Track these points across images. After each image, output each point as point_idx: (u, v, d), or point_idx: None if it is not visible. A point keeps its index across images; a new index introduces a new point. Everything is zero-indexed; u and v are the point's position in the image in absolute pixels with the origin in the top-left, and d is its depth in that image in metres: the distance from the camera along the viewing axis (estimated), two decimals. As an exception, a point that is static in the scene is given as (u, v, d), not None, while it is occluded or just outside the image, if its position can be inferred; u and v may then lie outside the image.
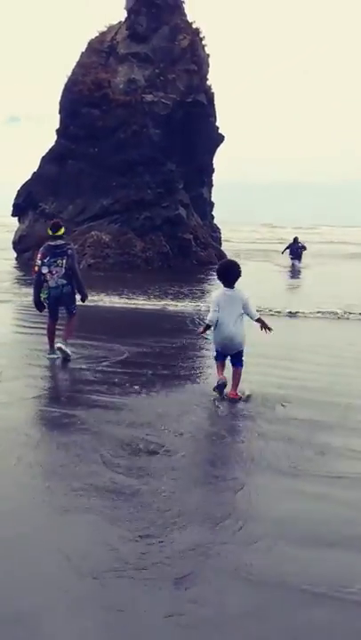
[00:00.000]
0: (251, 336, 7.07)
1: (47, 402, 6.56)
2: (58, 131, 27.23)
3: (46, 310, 8.47)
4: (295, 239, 28.62)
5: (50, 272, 8.14)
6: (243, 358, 6.89)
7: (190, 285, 18.37)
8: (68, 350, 8.24)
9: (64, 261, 8.13)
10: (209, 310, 7.01)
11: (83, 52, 27.90)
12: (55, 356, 8.29)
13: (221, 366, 6.94)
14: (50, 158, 27.15)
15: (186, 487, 4.39)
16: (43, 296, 8.31)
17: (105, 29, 28.32)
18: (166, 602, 3.07)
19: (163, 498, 4.18)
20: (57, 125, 27.28)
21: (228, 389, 6.77)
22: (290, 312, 13.08)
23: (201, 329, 7.38)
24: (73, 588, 3.19)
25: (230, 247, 32.61)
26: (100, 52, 27.44)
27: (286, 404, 6.46)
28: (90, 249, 24.10)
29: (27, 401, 6.50)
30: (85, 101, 26.03)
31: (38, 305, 8.44)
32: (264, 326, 6.84)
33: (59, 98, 27.19)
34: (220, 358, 6.98)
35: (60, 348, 8.20)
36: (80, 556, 3.47)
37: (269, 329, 6.84)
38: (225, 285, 6.82)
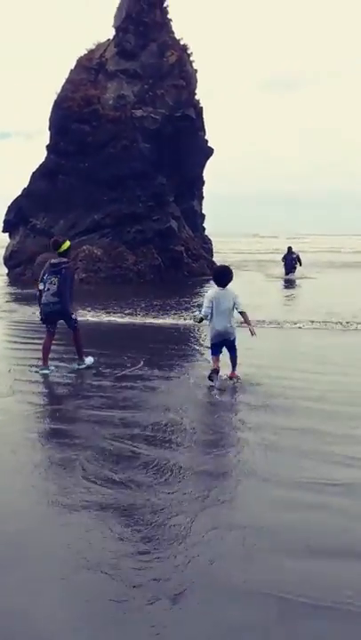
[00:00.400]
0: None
1: (40, 417, 6.57)
2: (48, 146, 27.44)
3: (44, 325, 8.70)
4: (289, 249, 28.67)
5: (45, 289, 8.40)
6: (236, 345, 7.99)
7: (185, 297, 18.43)
8: (85, 362, 8.64)
9: (57, 279, 8.35)
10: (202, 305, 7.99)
11: (72, 70, 28.20)
12: (47, 372, 8.32)
13: (216, 359, 7.86)
14: (40, 174, 27.33)
15: (180, 499, 4.37)
16: (40, 312, 8.58)
17: (94, 47, 28.68)
18: (163, 617, 3.03)
19: (157, 511, 4.16)
20: (47, 141, 27.51)
21: (228, 373, 7.91)
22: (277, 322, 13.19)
23: (197, 318, 8.19)
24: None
25: (222, 259, 32.80)
26: (89, 69, 27.75)
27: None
28: (82, 263, 24.21)
29: (20, 417, 6.52)
30: (75, 117, 26.28)
31: (42, 320, 8.68)
32: (246, 321, 7.91)
33: (49, 114, 27.45)
34: (215, 352, 7.91)
35: (79, 368, 8.53)
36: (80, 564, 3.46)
37: (252, 332, 7.89)
38: (218, 285, 7.92)
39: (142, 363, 8.83)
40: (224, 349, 8.03)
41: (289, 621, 3.02)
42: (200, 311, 8.07)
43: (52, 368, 8.45)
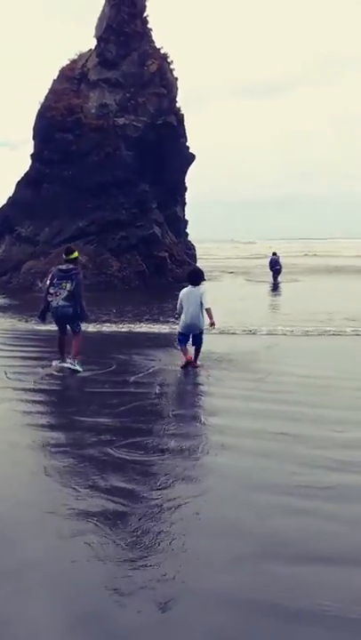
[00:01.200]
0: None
1: (25, 424, 6.51)
2: (32, 155, 27.70)
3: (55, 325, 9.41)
4: (273, 254, 29.15)
5: (55, 293, 8.94)
6: (203, 338, 9.31)
7: (168, 303, 18.58)
8: (78, 367, 8.94)
9: (68, 285, 8.89)
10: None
11: (55, 80, 28.55)
12: (64, 365, 9.04)
13: (184, 350, 9.27)
14: (25, 182, 27.59)
15: (166, 506, 4.41)
16: (50, 313, 9.15)
17: (76, 57, 29.04)
18: (151, 626, 3.01)
19: (143, 519, 4.17)
20: (31, 150, 27.81)
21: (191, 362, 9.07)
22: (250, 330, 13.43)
23: (177, 319, 9.67)
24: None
25: (207, 264, 33.13)
26: (72, 78, 28.10)
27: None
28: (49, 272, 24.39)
29: (5, 424, 6.51)
30: (59, 126, 26.59)
31: (41, 317, 9.33)
32: (209, 316, 8.94)
33: (32, 124, 27.78)
34: (182, 343, 9.29)
35: (68, 368, 8.95)
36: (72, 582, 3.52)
37: (212, 324, 8.96)
38: (191, 284, 9.21)
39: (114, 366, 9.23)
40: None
41: (278, 629, 3.01)
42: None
43: (69, 361, 9.01)
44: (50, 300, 8.98)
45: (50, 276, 9.16)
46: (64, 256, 9.30)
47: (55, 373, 8.87)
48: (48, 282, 9.13)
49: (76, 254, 9.30)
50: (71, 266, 9.09)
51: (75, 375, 8.84)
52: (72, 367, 8.93)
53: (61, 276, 8.96)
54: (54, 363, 9.18)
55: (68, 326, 9.22)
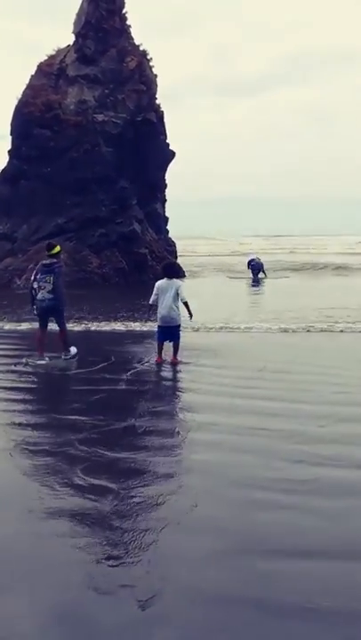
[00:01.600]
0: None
1: (5, 424, 6.46)
2: (10, 152, 27.44)
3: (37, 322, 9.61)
4: (251, 252, 29.34)
5: (40, 287, 9.19)
6: (180, 333, 9.35)
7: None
8: (71, 352, 9.33)
9: (51, 278, 9.14)
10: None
11: (32, 75, 28.27)
12: (43, 362, 9.16)
13: (160, 348, 9.34)
14: (2, 179, 27.27)
15: (147, 503, 4.41)
16: (35, 307, 9.35)
17: (54, 52, 28.77)
18: (132, 624, 3.00)
19: (125, 516, 4.17)
20: (8, 146, 27.55)
21: (169, 359, 9.22)
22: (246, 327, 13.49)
23: (150, 312, 9.96)
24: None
25: (188, 261, 33.15)
26: (50, 74, 27.83)
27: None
28: (31, 270, 24.26)
29: None
30: (37, 122, 26.33)
31: (34, 311, 9.48)
32: (187, 309, 9.19)
33: (9, 120, 27.50)
34: (160, 338, 9.37)
35: (65, 359, 9.28)
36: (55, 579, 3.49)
37: (191, 315, 9.27)
38: (165, 277, 9.32)
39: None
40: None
41: (260, 623, 3.02)
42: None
43: (47, 359, 9.22)
44: (34, 294, 9.23)
45: (34, 271, 9.45)
46: (46, 252, 9.54)
47: (32, 370, 8.83)
48: (32, 277, 9.40)
49: (57, 249, 9.49)
50: (54, 260, 9.36)
51: (53, 373, 8.80)
52: (67, 357, 9.30)
53: (45, 271, 9.23)
54: (25, 359, 9.29)
55: (49, 321, 9.44)
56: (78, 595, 3.26)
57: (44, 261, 9.38)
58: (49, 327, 9.60)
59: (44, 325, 9.48)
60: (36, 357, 9.29)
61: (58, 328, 9.50)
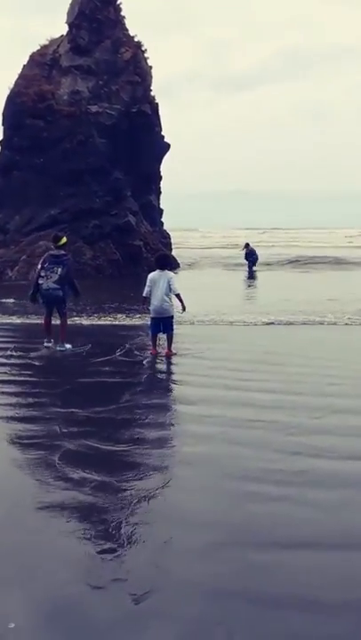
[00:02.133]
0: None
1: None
2: (2, 142, 27.24)
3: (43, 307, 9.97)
4: (246, 244, 29.30)
5: (45, 276, 9.43)
6: (173, 324, 9.29)
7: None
8: (65, 347, 9.54)
9: (59, 269, 9.41)
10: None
11: (25, 65, 28.03)
12: (50, 345, 9.64)
13: (154, 340, 9.38)
14: (-6, 170, 27.15)
15: (142, 495, 4.36)
16: (40, 295, 9.63)
17: (47, 42, 28.54)
18: (126, 619, 2.95)
19: (118, 510, 4.12)
20: (0, 137, 27.34)
21: (164, 351, 9.22)
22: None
23: (144, 306, 9.88)
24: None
25: (183, 254, 33.08)
26: (43, 64, 27.62)
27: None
28: (39, 259, 24.16)
29: None
30: (29, 113, 26.13)
31: (32, 299, 9.86)
32: (180, 302, 9.18)
33: (1, 109, 27.26)
34: (153, 330, 9.37)
35: (59, 351, 9.49)
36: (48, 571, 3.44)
37: (183, 308, 9.26)
38: (158, 268, 9.30)
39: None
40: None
41: (256, 616, 2.99)
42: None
43: (59, 347, 9.54)
44: (40, 282, 9.45)
45: (42, 260, 9.72)
46: (52, 243, 9.89)
47: (23, 362, 8.81)
48: (39, 266, 9.62)
49: (64, 240, 9.77)
50: (62, 252, 9.66)
51: (49, 365, 8.76)
52: (61, 349, 9.51)
53: (53, 261, 9.50)
54: (45, 343, 9.77)
55: (55, 308, 9.76)
56: (72, 589, 3.21)
57: (53, 252, 9.67)
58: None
59: (49, 313, 9.83)
60: (45, 340, 9.77)
61: (59, 319, 9.74)
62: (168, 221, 32.20)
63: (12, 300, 16.55)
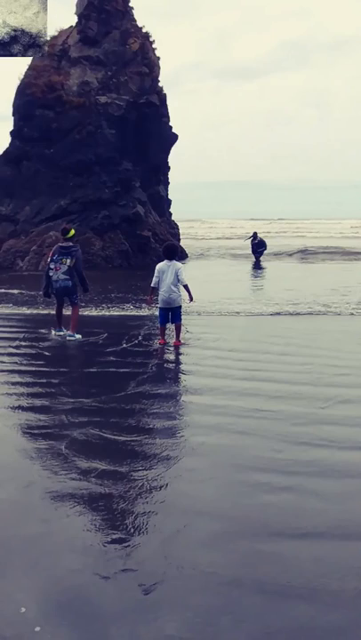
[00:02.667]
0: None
1: (8, 407, 6.43)
2: (12, 133, 27.28)
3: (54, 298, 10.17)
4: (254, 234, 29.24)
5: (56, 267, 9.71)
6: (181, 315, 9.40)
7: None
8: (75, 337, 9.72)
9: (68, 260, 9.68)
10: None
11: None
12: (61, 333, 9.93)
13: (163, 331, 9.50)
14: (4, 160, 27.15)
15: (150, 486, 4.39)
16: (50, 288, 9.87)
17: (56, 34, 28.47)
18: (135, 608, 2.97)
19: (128, 500, 4.15)
20: (10, 127, 27.38)
21: (172, 341, 9.37)
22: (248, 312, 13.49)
23: (149, 297, 9.93)
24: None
25: (191, 244, 33.08)
26: (52, 55, 27.56)
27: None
28: (48, 249, 24.26)
29: None
30: (39, 103, 26.15)
31: (45, 294, 10.11)
32: (188, 293, 9.25)
33: (11, 100, 27.29)
34: (162, 321, 9.45)
35: (69, 340, 9.67)
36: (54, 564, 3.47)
37: (191, 298, 9.37)
38: (166, 258, 9.35)
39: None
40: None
41: (263, 605, 3.01)
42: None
43: (69, 336, 9.75)
44: (50, 274, 9.72)
45: (51, 251, 9.97)
46: (61, 236, 10.04)
47: (33, 352, 8.87)
48: (49, 258, 9.88)
49: (72, 232, 9.96)
50: (70, 243, 9.87)
51: (59, 355, 8.82)
52: (71, 339, 9.69)
53: (62, 253, 9.74)
54: (53, 331, 10.09)
55: (66, 298, 9.97)
56: (81, 578, 3.23)
57: (62, 244, 9.85)
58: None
59: (60, 303, 10.06)
60: (56, 329, 10.05)
61: (71, 309, 9.99)
62: (179, 210, 32.23)
63: (22, 291, 16.67)
